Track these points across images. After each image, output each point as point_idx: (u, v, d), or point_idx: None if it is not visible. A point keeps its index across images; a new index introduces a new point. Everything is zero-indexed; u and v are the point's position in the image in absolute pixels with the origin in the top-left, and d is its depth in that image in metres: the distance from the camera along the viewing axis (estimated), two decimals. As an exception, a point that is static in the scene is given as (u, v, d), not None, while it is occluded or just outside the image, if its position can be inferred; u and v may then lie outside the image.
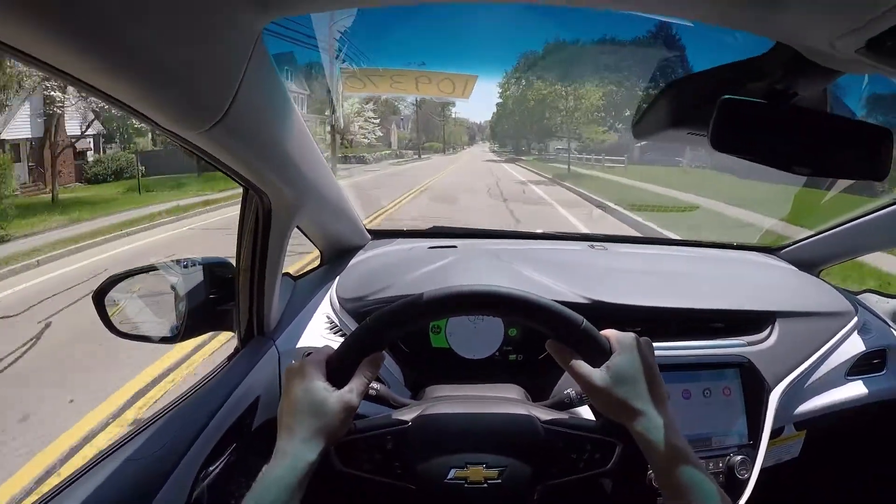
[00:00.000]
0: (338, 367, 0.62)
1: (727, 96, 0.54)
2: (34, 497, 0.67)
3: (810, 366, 1.12)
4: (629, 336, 0.64)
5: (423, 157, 32.78)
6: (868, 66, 0.50)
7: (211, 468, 0.80)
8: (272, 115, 0.68)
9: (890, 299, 1.38)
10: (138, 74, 0.44)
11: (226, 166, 0.69)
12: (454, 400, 0.73)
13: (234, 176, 0.73)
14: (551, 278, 1.13)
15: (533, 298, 0.63)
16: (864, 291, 1.43)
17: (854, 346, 1.19)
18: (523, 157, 28.76)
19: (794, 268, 1.42)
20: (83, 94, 10.57)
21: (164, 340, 0.95)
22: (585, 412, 0.90)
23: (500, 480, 0.62)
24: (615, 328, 0.66)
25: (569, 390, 0.77)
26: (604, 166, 18.67)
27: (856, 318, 1.21)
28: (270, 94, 0.64)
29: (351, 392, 0.60)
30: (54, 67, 0.40)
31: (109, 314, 0.92)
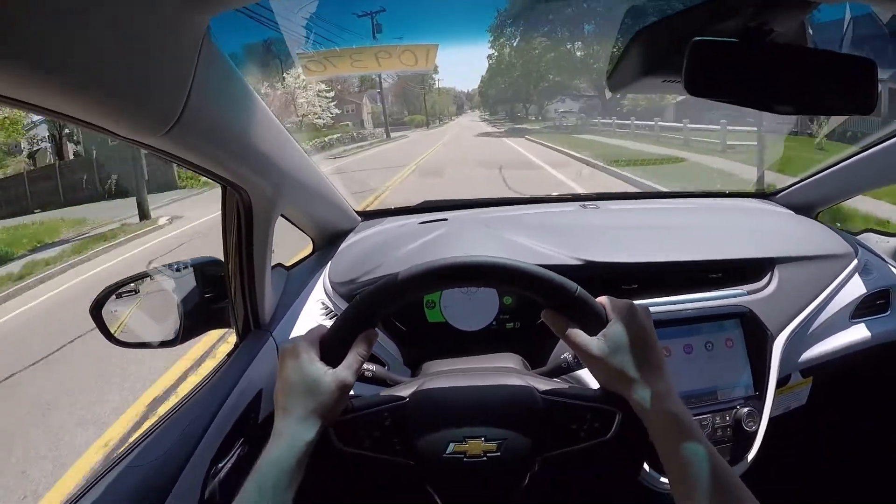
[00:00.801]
0: (331, 346, 0.61)
1: (698, 38, 0.53)
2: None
3: (813, 311, 1.11)
4: (625, 303, 0.63)
5: (393, 136, 25.68)
6: None
7: (220, 464, 0.80)
8: (233, 109, 0.67)
9: (891, 238, 1.36)
10: (86, 88, 0.43)
11: (195, 166, 0.68)
12: (451, 374, 0.72)
13: (207, 174, 0.72)
14: (543, 242, 1.12)
15: (525, 267, 0.62)
16: (864, 231, 1.41)
17: (856, 288, 1.18)
18: (527, 126, 24.44)
19: (790, 212, 1.40)
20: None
21: (163, 344, 0.96)
22: (585, 374, 0.90)
23: (499, 453, 0.61)
24: (611, 287, 0.65)
25: (565, 355, 0.76)
26: (634, 133, 15.16)
27: (856, 260, 1.20)
28: (227, 88, 0.63)
29: (345, 370, 0.60)
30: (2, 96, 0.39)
31: (108, 325, 0.92)
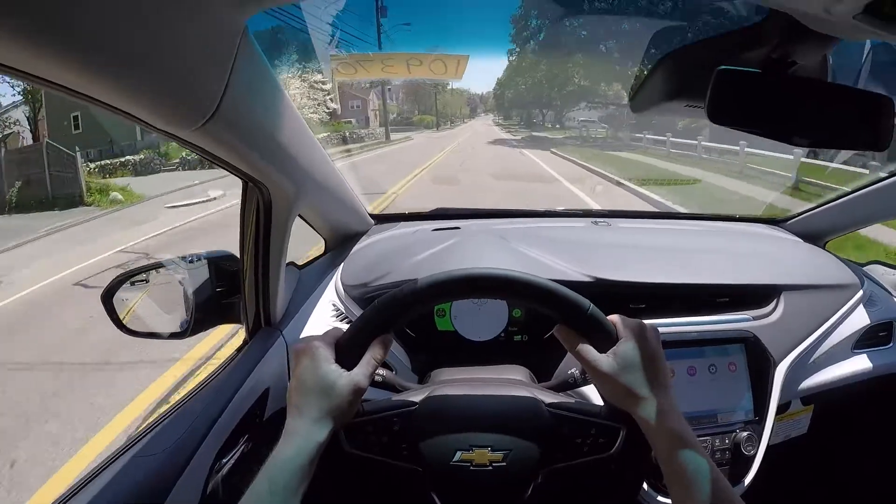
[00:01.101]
0: (347, 349, 0.62)
1: (723, 67, 0.54)
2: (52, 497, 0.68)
3: (816, 339, 1.11)
4: (636, 322, 0.64)
5: (394, 138, 22.25)
6: (866, 32, 0.49)
7: (224, 460, 0.81)
8: (265, 107, 0.68)
9: None
10: (127, 78, 0.45)
11: (222, 161, 0.69)
12: (460, 383, 0.74)
13: (232, 170, 0.74)
14: (554, 257, 1.13)
15: (539, 282, 0.63)
16: (870, 263, 1.42)
17: (860, 318, 1.18)
18: (548, 135, 21.18)
19: (799, 240, 1.41)
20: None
21: (173, 336, 0.96)
22: (589, 391, 0.91)
23: (504, 463, 0.62)
24: (619, 306, 0.66)
25: (573, 370, 0.77)
26: (669, 153, 12.80)
27: (862, 291, 1.20)
28: (261, 86, 0.64)
29: (360, 374, 0.60)
30: (42, 79, 0.41)
31: (118, 313, 0.93)
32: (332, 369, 0.59)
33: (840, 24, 0.50)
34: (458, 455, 0.63)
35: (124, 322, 0.93)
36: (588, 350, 0.62)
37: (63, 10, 0.35)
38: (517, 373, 0.96)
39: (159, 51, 0.45)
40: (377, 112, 27.51)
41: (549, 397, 0.68)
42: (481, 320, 1.08)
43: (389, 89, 28.71)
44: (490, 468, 0.62)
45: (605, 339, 0.62)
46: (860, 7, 0.43)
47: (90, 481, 0.67)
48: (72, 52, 0.39)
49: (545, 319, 0.66)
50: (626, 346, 0.61)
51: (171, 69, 0.47)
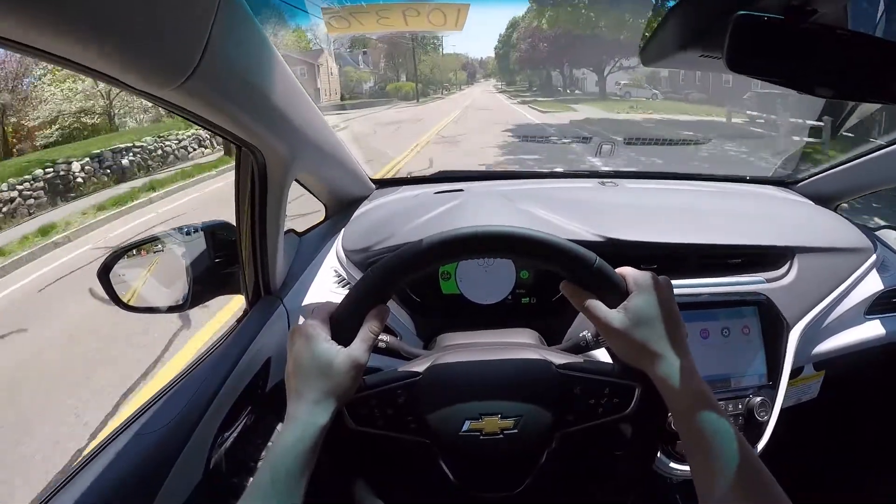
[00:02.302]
0: (342, 324, 0.59)
1: (742, 12, 0.50)
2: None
3: (829, 304, 1.09)
4: (647, 275, 0.61)
5: (346, 116, 14.03)
6: None
7: (227, 433, 0.80)
8: (251, 63, 0.64)
9: None
10: (97, 32, 0.41)
11: (209, 122, 0.65)
12: (466, 348, 0.71)
13: (221, 133, 0.70)
14: (563, 217, 1.10)
15: (542, 237, 0.60)
16: (882, 227, 1.39)
17: (873, 283, 1.16)
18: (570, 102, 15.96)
19: (811, 202, 1.37)
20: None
21: (171, 309, 0.95)
22: (601, 355, 0.89)
23: (516, 430, 0.60)
24: (631, 266, 0.63)
25: (584, 332, 0.74)
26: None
27: (875, 255, 1.18)
28: (246, 39, 0.60)
29: (358, 348, 0.58)
30: (7, 40, 0.37)
31: (116, 289, 0.91)
32: (329, 347, 0.57)
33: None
34: (468, 424, 0.60)
35: (122, 298, 0.92)
36: (597, 306, 0.59)
37: None
38: (526, 336, 0.94)
39: (131, 3, 0.41)
40: (332, 80, 20.97)
41: (559, 358, 0.65)
42: (488, 283, 1.06)
43: (365, 52, 22.73)
44: (501, 436, 0.60)
45: (614, 294, 0.59)
46: None
47: (91, 460, 0.65)
48: (38, 11, 0.35)
49: (554, 281, 0.63)
50: (639, 300, 0.58)
51: (145, 20, 0.43)
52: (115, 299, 0.91)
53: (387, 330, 0.65)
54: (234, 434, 0.81)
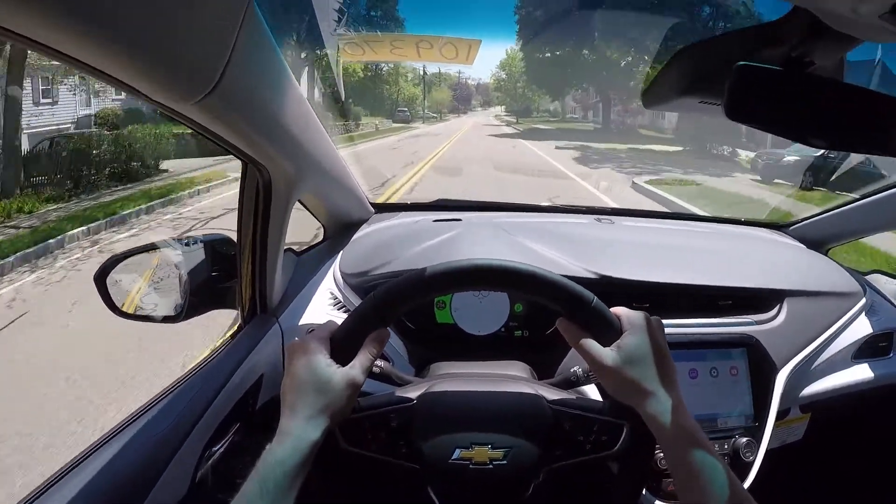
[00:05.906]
0: (342, 344, 0.60)
1: (744, 62, 0.52)
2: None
3: (817, 347, 1.10)
4: (640, 315, 0.62)
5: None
6: (890, 34, 0.48)
7: (215, 448, 0.79)
8: (267, 84, 0.66)
9: None
10: (124, 44, 0.42)
11: (221, 139, 0.67)
12: (460, 377, 0.72)
13: (231, 149, 0.71)
14: (558, 252, 1.11)
15: (542, 273, 0.61)
16: (873, 272, 1.41)
17: (861, 327, 1.17)
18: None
19: (802, 245, 1.40)
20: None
21: (166, 320, 0.94)
22: (592, 391, 0.89)
23: (505, 462, 0.61)
24: (623, 304, 0.64)
25: (576, 368, 0.75)
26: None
27: (864, 300, 1.19)
28: (265, 61, 0.62)
29: (356, 369, 0.58)
30: (36, 42, 0.39)
31: (111, 294, 0.91)
32: (327, 365, 0.58)
33: (864, 24, 0.48)
34: (458, 453, 0.61)
35: (116, 304, 0.92)
36: (591, 344, 0.60)
37: None
38: (517, 369, 0.95)
39: (159, 15, 0.42)
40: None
41: (551, 393, 0.66)
42: (482, 314, 1.06)
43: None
44: (490, 466, 0.60)
45: (608, 332, 0.60)
46: (888, 6, 0.42)
47: (77, 464, 0.64)
48: (70, 17, 0.37)
49: (547, 315, 0.64)
50: (632, 339, 0.59)
51: (171, 35, 0.45)
52: (110, 304, 0.90)
53: (381, 356, 0.66)
54: (222, 449, 0.80)
